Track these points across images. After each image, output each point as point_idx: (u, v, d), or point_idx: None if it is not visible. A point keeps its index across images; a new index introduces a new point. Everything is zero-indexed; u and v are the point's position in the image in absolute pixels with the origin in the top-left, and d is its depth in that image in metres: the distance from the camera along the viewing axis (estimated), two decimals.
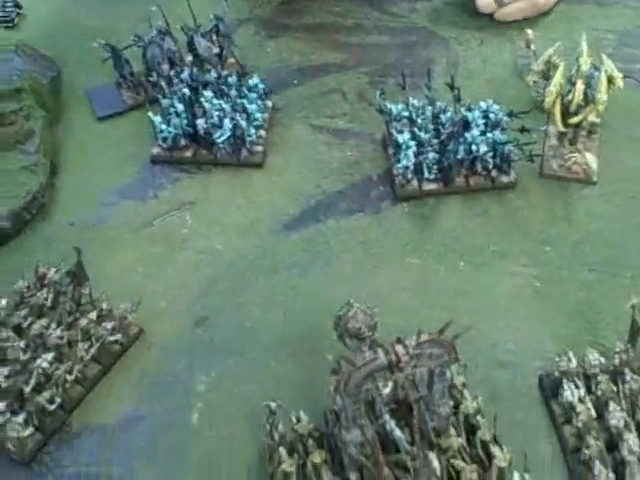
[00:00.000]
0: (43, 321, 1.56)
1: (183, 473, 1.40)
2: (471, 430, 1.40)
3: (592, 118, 1.76)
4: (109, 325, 1.57)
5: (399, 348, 1.07)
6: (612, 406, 1.38)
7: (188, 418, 1.45)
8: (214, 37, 1.88)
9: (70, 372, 1.49)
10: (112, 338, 1.55)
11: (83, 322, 1.57)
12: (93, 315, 1.58)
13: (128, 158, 1.81)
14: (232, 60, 1.90)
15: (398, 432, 1.17)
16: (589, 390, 1.42)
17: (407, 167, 1.62)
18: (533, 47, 1.79)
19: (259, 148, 1.77)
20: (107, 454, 1.44)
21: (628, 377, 1.41)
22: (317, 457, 1.37)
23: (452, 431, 1.33)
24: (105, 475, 1.41)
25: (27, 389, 1.48)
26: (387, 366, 1.06)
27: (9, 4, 2.09)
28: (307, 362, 1.45)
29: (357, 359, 1.07)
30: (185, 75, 1.76)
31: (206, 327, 1.54)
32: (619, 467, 1.35)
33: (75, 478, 1.41)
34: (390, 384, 1.22)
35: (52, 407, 1.50)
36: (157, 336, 1.54)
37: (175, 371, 1.51)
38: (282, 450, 1.35)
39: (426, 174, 1.64)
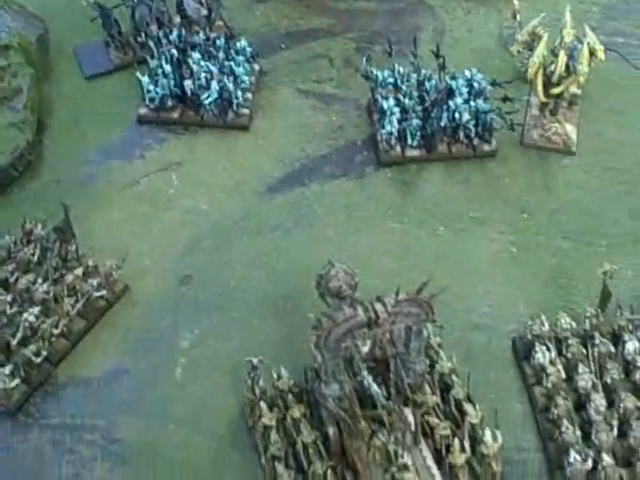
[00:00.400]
0: (30, 276, 1.59)
1: (166, 426, 1.44)
2: (445, 389, 1.45)
3: (573, 90, 1.79)
4: (95, 281, 1.60)
5: (378, 306, 1.11)
6: (581, 368, 1.44)
7: (172, 373, 1.49)
8: None
9: (56, 326, 1.53)
10: (97, 294, 1.58)
11: (69, 278, 1.60)
12: (79, 271, 1.61)
13: (115, 117, 1.83)
14: (220, 22, 1.92)
15: (375, 387, 1.22)
16: (560, 353, 1.48)
17: (391, 133, 1.66)
18: (519, 18, 1.82)
19: (245, 111, 1.79)
20: (92, 406, 1.48)
21: (597, 341, 1.47)
22: (296, 412, 1.42)
23: (427, 389, 1.38)
24: (89, 426, 1.45)
25: (14, 342, 1.51)
26: (366, 323, 1.10)
27: None
28: (289, 321, 1.49)
29: (337, 316, 1.11)
30: (173, 36, 1.78)
31: (190, 285, 1.57)
32: (586, 426, 1.41)
33: (60, 429, 1.45)
34: (369, 342, 1.26)
35: (38, 360, 1.53)
36: (142, 293, 1.57)
37: (159, 328, 1.54)
38: (263, 404, 1.40)
39: (409, 141, 1.67)
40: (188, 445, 1.49)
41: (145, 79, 1.94)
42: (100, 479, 1.47)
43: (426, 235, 1.72)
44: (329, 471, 1.43)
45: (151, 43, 2.01)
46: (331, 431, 1.40)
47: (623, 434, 1.46)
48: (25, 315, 1.60)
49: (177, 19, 2.13)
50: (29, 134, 1.91)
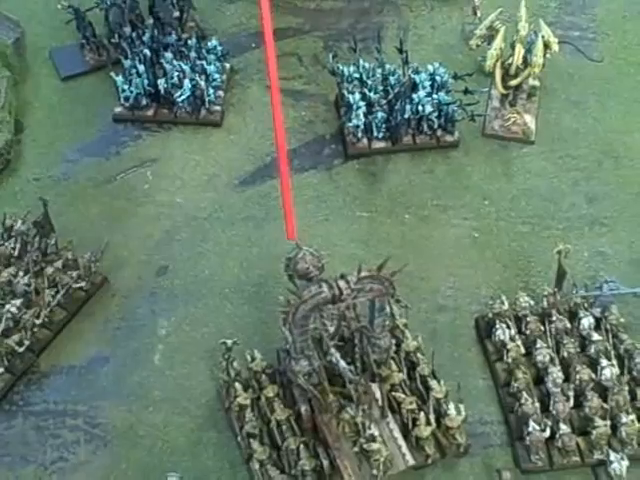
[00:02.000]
0: (11, 269, 1.65)
1: (145, 408, 1.51)
2: (412, 366, 1.52)
3: (532, 82, 1.87)
4: (74, 273, 1.66)
5: (341, 283, 1.18)
6: (539, 344, 1.52)
7: (150, 359, 1.55)
8: (174, 0, 1.95)
9: (37, 317, 1.59)
10: (77, 285, 1.64)
11: (49, 270, 1.66)
12: (59, 264, 1.67)
13: (91, 117, 1.89)
14: (192, 23, 1.98)
15: (343, 363, 1.29)
16: (519, 330, 1.56)
17: (357, 126, 1.73)
18: (479, 14, 1.90)
19: (217, 108, 1.86)
20: (74, 393, 1.54)
21: (554, 318, 1.55)
22: (270, 391, 1.49)
23: (394, 366, 1.45)
24: (72, 412, 1.51)
25: None
26: (331, 299, 1.17)
27: None
28: (261, 306, 1.56)
29: (304, 293, 1.18)
30: (146, 37, 1.84)
31: (167, 275, 1.64)
32: (545, 398, 1.48)
33: (43, 415, 1.51)
34: (335, 321, 1.33)
35: (21, 349, 1.59)
36: (120, 284, 1.64)
37: (137, 316, 1.60)
38: (237, 385, 1.47)
39: (375, 133, 1.75)
40: (167, 426, 1.55)
41: (120, 79, 2.00)
42: (84, 461, 1.53)
43: (392, 222, 1.79)
44: (302, 446, 1.49)
45: (125, 44, 2.06)
46: (303, 408, 1.46)
47: (579, 405, 1.53)
48: (7, 307, 1.65)
49: (150, 21, 2.19)
50: (7, 134, 1.96)
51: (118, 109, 2.04)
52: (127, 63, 2.03)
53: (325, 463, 1.43)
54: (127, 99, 2.01)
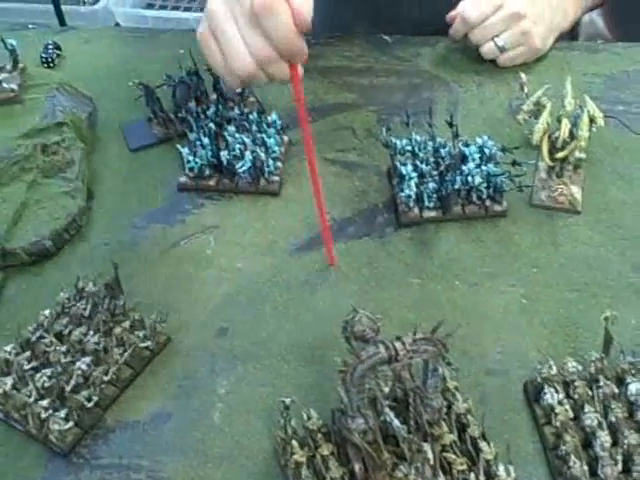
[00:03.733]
0: (82, 328, 1.75)
1: (205, 464, 1.58)
2: (462, 428, 1.56)
3: (578, 154, 1.94)
4: (141, 333, 1.74)
5: (398, 344, 1.24)
6: (587, 408, 1.55)
7: (210, 416, 1.63)
8: None
9: (106, 374, 1.68)
10: (143, 345, 1.73)
11: (117, 330, 1.75)
12: (126, 324, 1.77)
13: (157, 186, 2.00)
14: (252, 99, 2.10)
15: (397, 422, 1.34)
16: (567, 395, 1.60)
17: (409, 196, 1.82)
18: (526, 89, 1.99)
19: (276, 178, 1.96)
20: (138, 447, 1.61)
21: (602, 383, 1.58)
22: (325, 450, 1.52)
23: (445, 427, 1.50)
24: (136, 466, 1.58)
25: (67, 388, 1.65)
26: (387, 359, 1.24)
27: (50, 46, 2.32)
28: (317, 368, 1.63)
29: (362, 354, 1.25)
30: (210, 112, 1.96)
31: (226, 337, 1.72)
32: (593, 463, 1.51)
33: (109, 468, 1.58)
34: (389, 382, 1.39)
35: (89, 404, 1.68)
36: (183, 344, 1.73)
37: (198, 375, 1.69)
38: (294, 442, 1.51)
39: (426, 203, 1.83)
40: None
41: (185, 150, 2.11)
42: None
43: (442, 289, 1.84)
44: None
45: (190, 118, 2.18)
46: (357, 467, 1.49)
47: (627, 469, 1.53)
48: (78, 364, 1.72)
49: (213, 96, 2.31)
50: (80, 201, 2.07)
51: (182, 179, 2.16)
52: (192, 136, 2.15)
53: None
54: (192, 169, 2.13)
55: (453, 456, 1.56)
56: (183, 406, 1.76)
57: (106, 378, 1.77)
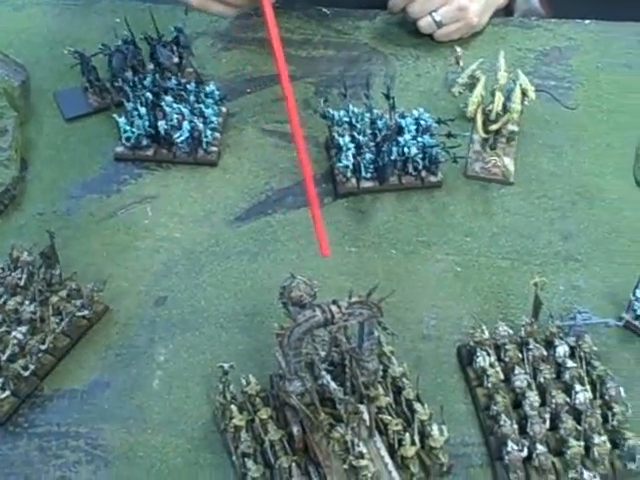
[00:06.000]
0: (18, 298, 1.73)
1: (144, 431, 1.58)
2: (397, 391, 1.59)
3: (511, 127, 1.99)
4: (78, 302, 1.74)
5: (334, 307, 1.27)
6: (517, 370, 1.60)
7: (149, 384, 1.63)
8: (174, 48, 2.07)
9: (42, 343, 1.67)
10: (80, 314, 1.72)
11: (54, 299, 1.74)
12: (63, 293, 1.75)
13: (94, 156, 1.98)
14: (190, 69, 2.09)
15: (333, 384, 1.37)
16: (499, 358, 1.64)
17: (347, 167, 1.84)
18: (461, 63, 2.02)
19: (214, 148, 1.97)
20: (76, 415, 1.61)
21: (531, 346, 1.63)
22: (264, 414, 1.54)
23: (381, 390, 1.53)
24: (74, 433, 1.58)
25: (3, 358, 1.64)
26: (323, 322, 1.26)
27: None
28: (255, 335, 1.65)
29: (298, 317, 1.27)
30: (147, 81, 1.95)
31: (165, 306, 1.72)
32: (522, 422, 1.56)
33: (47, 436, 1.58)
34: (326, 347, 1.42)
35: (26, 373, 1.67)
36: (121, 313, 1.72)
37: (137, 344, 1.69)
38: (233, 407, 1.53)
39: (363, 173, 1.86)
40: (165, 447, 1.60)
41: (122, 120, 2.09)
42: None
43: (379, 257, 1.88)
44: (294, 465, 1.55)
45: (127, 87, 2.17)
46: (295, 429, 1.52)
47: (555, 427, 1.59)
48: (14, 333, 1.70)
49: (150, 66, 2.30)
50: (14, 171, 2.05)
51: (119, 149, 2.14)
52: (129, 105, 2.13)
53: None
54: (128, 139, 2.11)
55: (389, 417, 1.60)
56: (121, 374, 1.77)
57: (43, 347, 1.76)
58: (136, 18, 2.21)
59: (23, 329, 1.74)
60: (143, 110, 2.05)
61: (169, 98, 2.09)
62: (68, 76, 2.29)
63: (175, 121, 2.04)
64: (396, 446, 1.56)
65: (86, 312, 1.81)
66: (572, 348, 1.74)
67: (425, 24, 2.33)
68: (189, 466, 1.57)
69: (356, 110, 2.11)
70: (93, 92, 2.20)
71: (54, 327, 1.75)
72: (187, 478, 1.56)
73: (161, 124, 2.06)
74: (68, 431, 1.65)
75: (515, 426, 1.61)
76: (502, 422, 1.58)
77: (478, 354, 1.71)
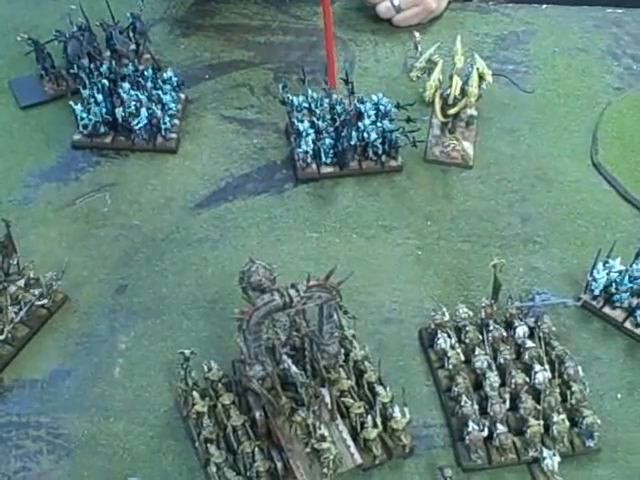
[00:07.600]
0: None
1: (106, 419, 1.57)
2: (359, 375, 1.60)
3: (470, 111, 2.00)
4: (36, 291, 1.72)
5: (292, 291, 1.27)
6: (478, 351, 1.62)
7: (110, 372, 1.62)
8: (131, 34, 2.05)
9: (1, 333, 1.65)
10: (39, 303, 1.71)
11: (12, 289, 1.72)
12: (21, 283, 1.74)
13: (51, 144, 1.96)
14: (147, 55, 2.08)
15: (294, 368, 1.37)
16: (459, 339, 1.66)
17: (307, 152, 1.84)
18: (420, 48, 2.03)
19: (173, 135, 1.95)
20: (36, 405, 1.60)
21: (491, 327, 1.65)
22: (226, 399, 1.54)
23: (342, 373, 1.53)
24: (35, 423, 1.57)
25: None
26: (282, 306, 1.27)
27: None
28: (217, 321, 1.65)
29: (257, 301, 1.27)
30: (104, 68, 1.93)
31: (125, 294, 1.71)
32: (483, 401, 1.58)
33: (7, 427, 1.57)
34: (286, 331, 1.42)
35: None
36: (81, 302, 1.71)
37: (98, 332, 1.68)
38: (195, 393, 1.53)
39: (324, 158, 1.86)
40: (128, 435, 1.60)
41: (78, 107, 2.07)
42: (47, 470, 1.56)
43: (340, 242, 1.89)
44: (256, 449, 1.55)
45: (83, 75, 2.14)
46: (257, 414, 1.53)
47: (514, 406, 1.62)
48: None
49: (107, 53, 2.27)
50: None
51: (77, 136, 2.12)
52: (86, 93, 2.11)
53: (279, 465, 1.50)
54: (85, 127, 2.09)
55: (351, 400, 1.61)
56: (82, 363, 1.75)
57: (1, 337, 1.74)
58: (91, 4, 2.19)
59: None
60: (100, 97, 2.03)
61: (126, 85, 2.07)
62: (23, 64, 2.26)
63: (133, 108, 2.02)
64: (358, 429, 1.57)
65: (45, 301, 1.79)
66: (531, 329, 1.77)
67: (384, 9, 2.33)
68: (152, 453, 1.57)
69: (315, 95, 2.11)
70: (49, 80, 2.17)
71: (12, 317, 1.73)
72: (150, 465, 1.55)
73: (119, 111, 2.04)
74: (29, 421, 1.64)
75: (476, 406, 1.63)
76: (463, 403, 1.60)
77: (439, 336, 1.72)
